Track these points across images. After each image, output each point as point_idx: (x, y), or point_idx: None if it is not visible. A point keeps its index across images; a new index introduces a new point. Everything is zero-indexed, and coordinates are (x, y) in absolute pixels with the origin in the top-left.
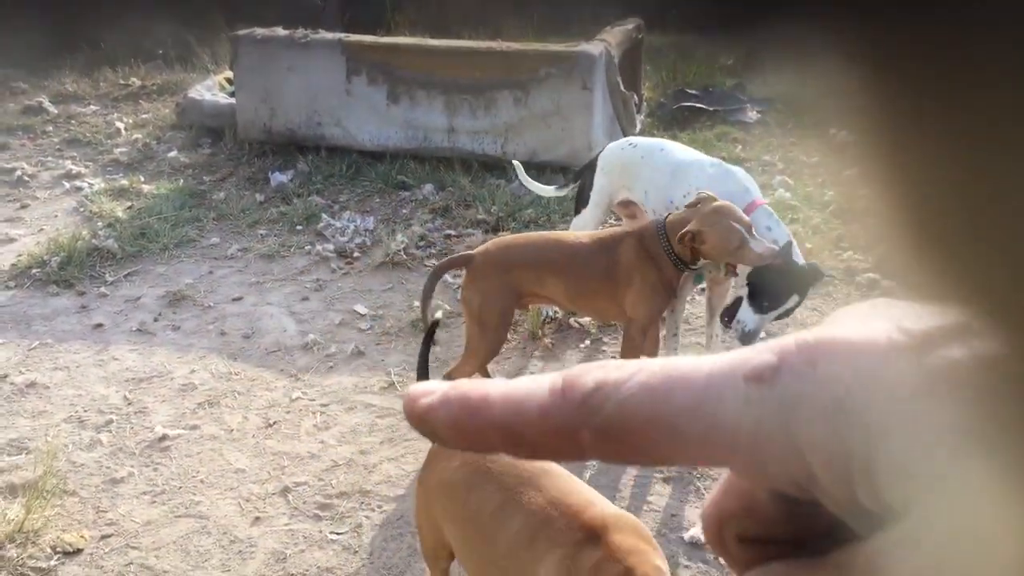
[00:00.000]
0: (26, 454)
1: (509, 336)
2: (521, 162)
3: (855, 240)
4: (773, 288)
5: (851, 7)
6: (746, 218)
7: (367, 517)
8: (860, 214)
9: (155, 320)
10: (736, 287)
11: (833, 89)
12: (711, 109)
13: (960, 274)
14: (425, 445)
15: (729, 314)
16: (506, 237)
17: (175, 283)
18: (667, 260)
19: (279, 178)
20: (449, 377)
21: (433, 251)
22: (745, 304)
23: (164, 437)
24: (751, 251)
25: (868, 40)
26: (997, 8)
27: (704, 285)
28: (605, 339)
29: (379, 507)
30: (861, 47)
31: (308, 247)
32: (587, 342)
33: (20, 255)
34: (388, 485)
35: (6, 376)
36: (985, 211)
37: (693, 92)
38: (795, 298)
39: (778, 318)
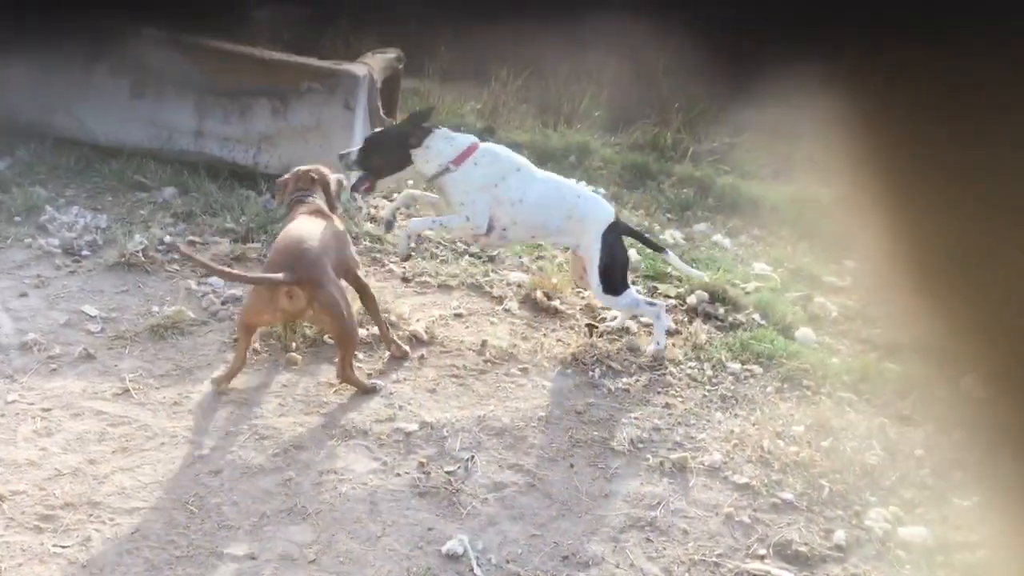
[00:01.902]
0: None
1: (260, 347)
2: (274, 175)
3: None
4: (388, 152)
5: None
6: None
7: (97, 530)
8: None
9: None
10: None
11: None
12: None
13: (961, 304)
14: (164, 455)
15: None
16: (283, 247)
17: None
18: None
19: None
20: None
21: (175, 256)
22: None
23: None
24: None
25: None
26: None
27: None
28: (359, 355)
29: (111, 520)
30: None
31: (28, 240)
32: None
33: None
34: (121, 497)
35: None
36: (991, 247)
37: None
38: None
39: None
